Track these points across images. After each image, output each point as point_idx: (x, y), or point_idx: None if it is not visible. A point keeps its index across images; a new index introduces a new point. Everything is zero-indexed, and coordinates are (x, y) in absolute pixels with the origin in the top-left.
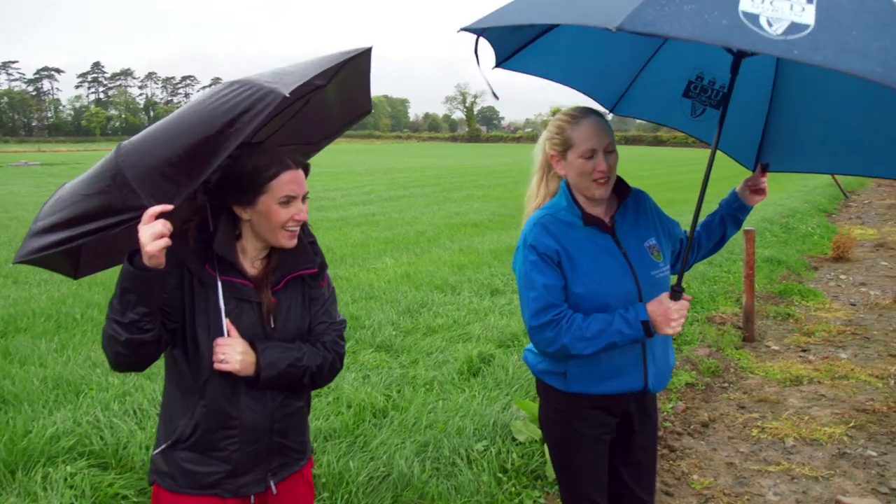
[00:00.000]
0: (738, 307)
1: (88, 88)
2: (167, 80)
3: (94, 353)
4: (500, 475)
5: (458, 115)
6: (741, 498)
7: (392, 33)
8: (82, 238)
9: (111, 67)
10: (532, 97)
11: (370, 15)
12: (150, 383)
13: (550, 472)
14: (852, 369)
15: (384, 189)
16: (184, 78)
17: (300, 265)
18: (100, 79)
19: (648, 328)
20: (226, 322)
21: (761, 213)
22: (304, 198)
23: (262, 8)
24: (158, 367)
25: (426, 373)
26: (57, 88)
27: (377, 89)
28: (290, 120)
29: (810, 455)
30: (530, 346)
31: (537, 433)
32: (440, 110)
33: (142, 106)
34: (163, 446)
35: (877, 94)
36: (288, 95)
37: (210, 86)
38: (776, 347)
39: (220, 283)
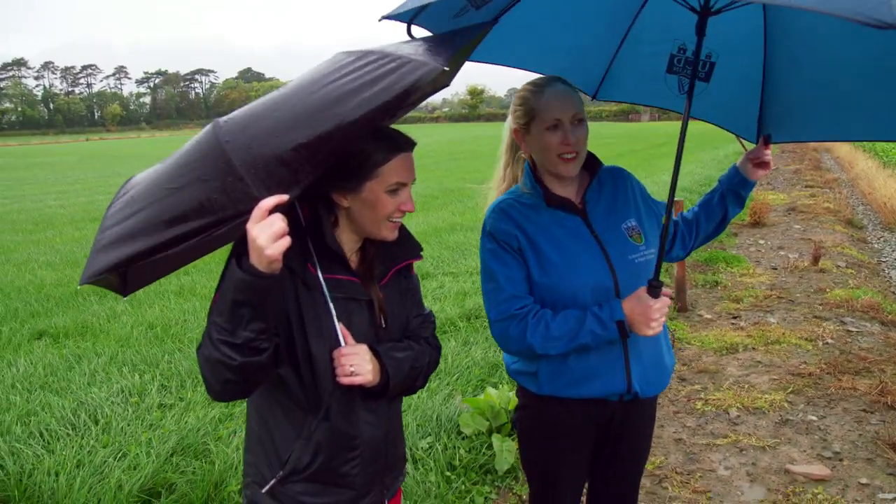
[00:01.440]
0: (667, 277)
1: None
2: (67, 69)
3: None
4: (448, 473)
5: None
6: (693, 475)
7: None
8: (174, 245)
9: (2, 57)
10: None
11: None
12: (59, 399)
13: (500, 466)
14: (783, 333)
15: None
16: (84, 67)
17: (406, 254)
18: None
19: (624, 328)
20: (340, 327)
21: (679, 183)
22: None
23: None
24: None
25: None
26: None
27: (296, 74)
28: None
29: (755, 424)
30: None
31: (484, 425)
32: None
33: (39, 98)
34: (273, 481)
35: (872, 48)
36: (446, 68)
37: (116, 74)
38: (709, 316)
39: (324, 283)
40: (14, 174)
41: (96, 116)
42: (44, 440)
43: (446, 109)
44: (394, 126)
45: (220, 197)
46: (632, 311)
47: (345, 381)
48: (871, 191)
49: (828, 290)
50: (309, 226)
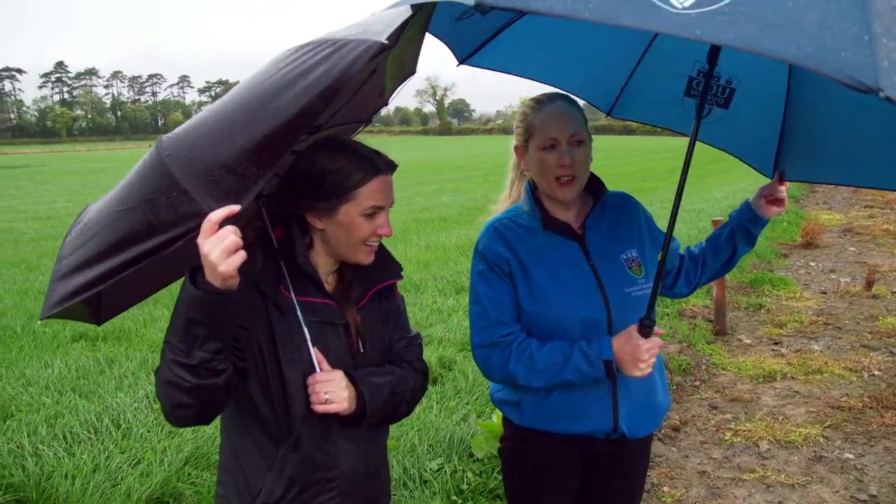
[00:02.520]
0: (708, 299)
1: (52, 88)
2: (134, 78)
3: (28, 370)
4: (454, 497)
5: (429, 108)
6: None
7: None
8: (126, 269)
9: (75, 67)
10: (503, 89)
11: (332, 7)
12: (86, 402)
13: None
14: (826, 362)
15: None
16: (150, 76)
17: (384, 275)
18: (64, 78)
19: (611, 368)
20: (314, 352)
21: (729, 201)
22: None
23: (212, 6)
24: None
25: None
26: (19, 89)
27: None
28: (352, 96)
29: (785, 460)
30: None
31: (496, 447)
32: (411, 104)
33: (108, 105)
34: None
35: None
36: (385, 42)
37: (179, 84)
38: (748, 340)
39: (297, 306)
40: (80, 178)
41: (160, 124)
42: (66, 443)
43: (500, 121)
44: (376, 147)
45: (168, 214)
46: (620, 350)
47: (319, 409)
48: None
49: (880, 317)
50: (282, 247)
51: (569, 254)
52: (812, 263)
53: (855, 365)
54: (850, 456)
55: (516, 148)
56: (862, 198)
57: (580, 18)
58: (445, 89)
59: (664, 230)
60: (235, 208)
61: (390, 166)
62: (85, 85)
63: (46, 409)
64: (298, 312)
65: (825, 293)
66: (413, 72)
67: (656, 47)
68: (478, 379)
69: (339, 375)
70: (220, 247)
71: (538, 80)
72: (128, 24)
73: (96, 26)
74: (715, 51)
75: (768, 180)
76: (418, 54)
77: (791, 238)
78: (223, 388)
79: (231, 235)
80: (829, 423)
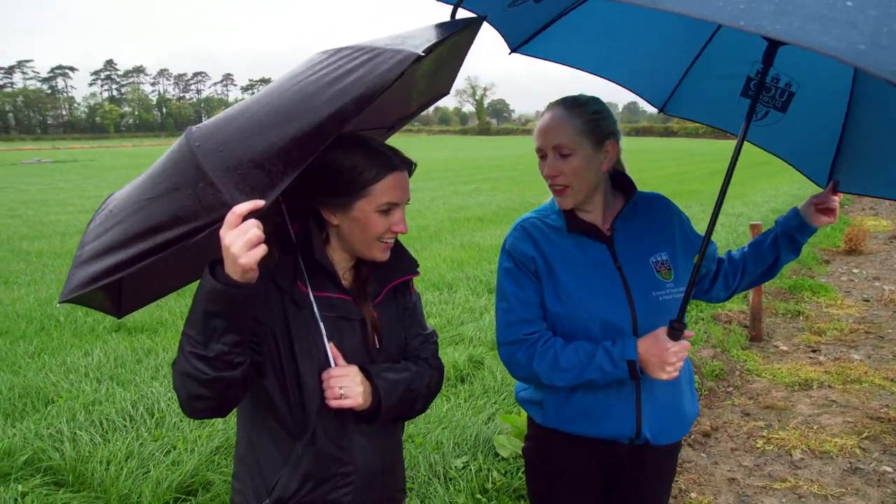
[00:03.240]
0: (744, 304)
1: (102, 86)
2: (179, 76)
3: (70, 358)
4: (478, 496)
5: (469, 108)
6: None
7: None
8: (148, 257)
9: (123, 65)
10: (542, 89)
11: (373, 5)
12: (123, 391)
13: None
14: (865, 372)
15: None
16: (195, 74)
17: (401, 271)
18: (113, 76)
19: (635, 369)
20: (330, 347)
21: (771, 205)
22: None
23: (254, 7)
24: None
25: None
26: (71, 86)
27: None
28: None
29: (819, 470)
30: None
31: (520, 447)
32: (451, 103)
33: (154, 102)
34: None
35: None
36: (423, 54)
37: (223, 81)
38: (785, 347)
39: (314, 301)
40: (126, 173)
41: (203, 120)
42: (102, 429)
43: None
44: (391, 143)
45: (193, 205)
46: (646, 352)
47: (333, 404)
48: None
49: None
50: (299, 242)
51: (596, 255)
52: (855, 270)
53: None
54: (889, 469)
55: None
56: None
57: (621, 1)
58: (485, 89)
59: (702, 233)
60: (260, 203)
61: (406, 163)
62: (133, 82)
63: (85, 397)
64: (315, 307)
65: (868, 301)
66: (446, 93)
67: (716, 44)
68: (506, 378)
69: (353, 371)
70: (243, 239)
71: (591, 73)
72: (175, 23)
73: (145, 25)
74: (772, 49)
75: (816, 188)
76: (455, 76)
77: (834, 244)
78: (240, 382)
79: (254, 229)
80: (866, 434)
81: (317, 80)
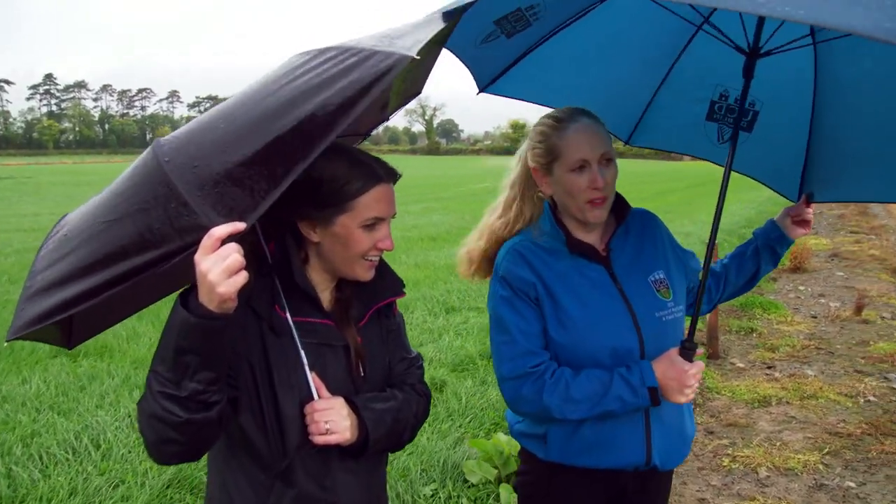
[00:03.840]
0: (701, 322)
1: (40, 101)
2: (123, 92)
3: (6, 387)
4: None
5: (418, 127)
6: None
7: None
8: (111, 288)
9: (64, 80)
10: (491, 110)
11: (320, 23)
12: (65, 420)
13: None
14: (820, 387)
15: None
16: (140, 90)
17: (386, 291)
18: (52, 91)
19: (656, 396)
20: (312, 377)
21: (720, 225)
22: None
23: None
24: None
25: None
26: (7, 100)
27: None
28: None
29: (786, 487)
30: None
31: (491, 473)
32: (400, 123)
33: (96, 118)
34: None
35: None
36: (417, 57)
37: (169, 98)
38: (741, 364)
39: (293, 327)
40: (66, 190)
41: (148, 138)
42: (42, 463)
43: (488, 142)
44: (378, 155)
45: (164, 227)
46: (664, 376)
47: (319, 440)
48: None
49: (871, 342)
50: (276, 263)
51: (595, 278)
52: (801, 287)
53: (850, 390)
54: (852, 484)
55: (535, 170)
56: (847, 223)
57: None
58: (435, 109)
59: (686, 246)
60: (241, 226)
61: (392, 175)
62: (74, 98)
63: (22, 428)
64: (295, 334)
65: (815, 317)
66: (419, 92)
67: (678, 71)
68: (470, 401)
69: (339, 403)
70: (222, 266)
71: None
72: (119, 38)
73: (87, 40)
74: (750, 65)
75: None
76: (428, 74)
77: (780, 263)
78: (215, 422)
79: (234, 254)
80: (827, 450)
81: (302, 86)
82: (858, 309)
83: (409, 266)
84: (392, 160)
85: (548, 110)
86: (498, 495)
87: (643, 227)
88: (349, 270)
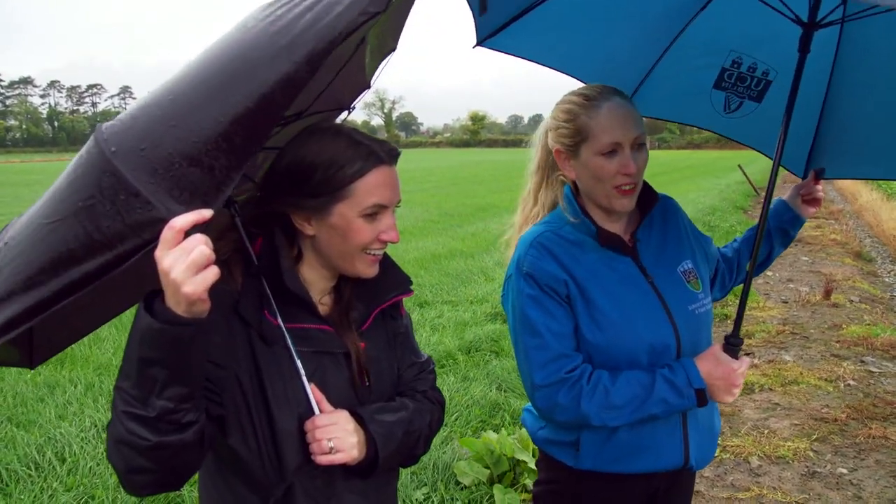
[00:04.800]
0: None
1: None
2: (72, 88)
3: None
4: None
5: (377, 121)
6: None
7: None
8: (63, 298)
9: (8, 76)
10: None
11: None
12: (25, 433)
13: None
14: (800, 373)
15: None
16: (90, 87)
17: (391, 289)
18: None
19: (704, 397)
20: (311, 389)
21: (697, 205)
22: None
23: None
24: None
25: None
26: None
27: None
28: (339, 72)
29: (779, 476)
30: (529, 404)
31: (483, 474)
32: (359, 116)
33: (45, 116)
34: None
35: None
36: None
37: (121, 94)
38: None
39: (287, 334)
40: (14, 190)
41: None
42: (2, 481)
43: (448, 135)
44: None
45: (114, 224)
46: (710, 375)
47: (322, 460)
48: (878, 223)
49: (843, 326)
50: (264, 262)
51: (624, 271)
52: (769, 273)
53: (829, 375)
54: (844, 470)
55: (558, 152)
56: None
57: None
58: (393, 102)
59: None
60: (206, 213)
61: (393, 155)
62: (19, 94)
63: None
64: (289, 342)
65: (787, 303)
66: (394, 48)
67: (689, 34)
68: (454, 398)
69: (343, 417)
70: (186, 261)
71: (556, 69)
72: (65, 33)
73: (30, 35)
74: (808, 37)
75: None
76: (402, 28)
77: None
78: (193, 446)
79: (200, 246)
80: (815, 436)
81: (255, 38)
82: (827, 293)
83: None
84: None
85: (524, 100)
86: (492, 496)
87: (665, 214)
88: (350, 266)
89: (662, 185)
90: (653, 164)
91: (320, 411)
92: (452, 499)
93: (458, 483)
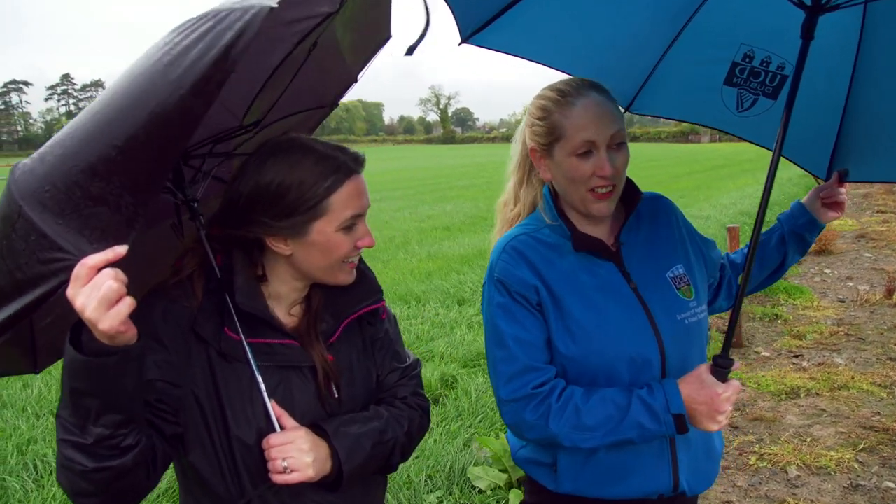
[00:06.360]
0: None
1: (59, 101)
2: None
3: (6, 392)
4: None
5: (433, 117)
6: None
7: None
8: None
9: (81, 79)
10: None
11: None
12: None
13: None
14: (852, 377)
15: None
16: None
17: (361, 299)
18: (70, 91)
19: (684, 424)
20: (271, 406)
21: (738, 207)
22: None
23: None
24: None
25: None
26: (26, 101)
27: (351, 93)
28: (293, 78)
29: (818, 488)
30: None
31: (500, 478)
32: (415, 113)
33: None
34: None
35: None
36: (276, 6)
37: None
38: (766, 353)
39: (248, 349)
40: None
41: None
42: (37, 472)
43: (504, 130)
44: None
45: (30, 263)
46: (692, 399)
47: (278, 479)
48: None
49: None
50: (226, 278)
51: (605, 276)
52: (827, 270)
53: (884, 380)
54: (891, 484)
55: (532, 150)
56: (873, 203)
57: None
58: (449, 98)
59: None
60: (120, 250)
61: (360, 162)
62: (91, 97)
63: (19, 435)
64: (250, 358)
65: (843, 302)
66: (387, 37)
67: (696, 25)
68: (482, 398)
69: (299, 435)
70: (97, 298)
71: (548, 65)
72: (133, 37)
73: (102, 39)
74: (811, 23)
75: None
76: (388, 16)
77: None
78: (136, 469)
79: (109, 281)
80: (862, 446)
81: (147, 71)
82: (889, 292)
83: (422, 257)
84: (408, 150)
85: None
86: (508, 501)
87: (656, 214)
88: (331, 278)
89: (720, 179)
90: (714, 157)
91: (281, 427)
92: None
93: (474, 487)
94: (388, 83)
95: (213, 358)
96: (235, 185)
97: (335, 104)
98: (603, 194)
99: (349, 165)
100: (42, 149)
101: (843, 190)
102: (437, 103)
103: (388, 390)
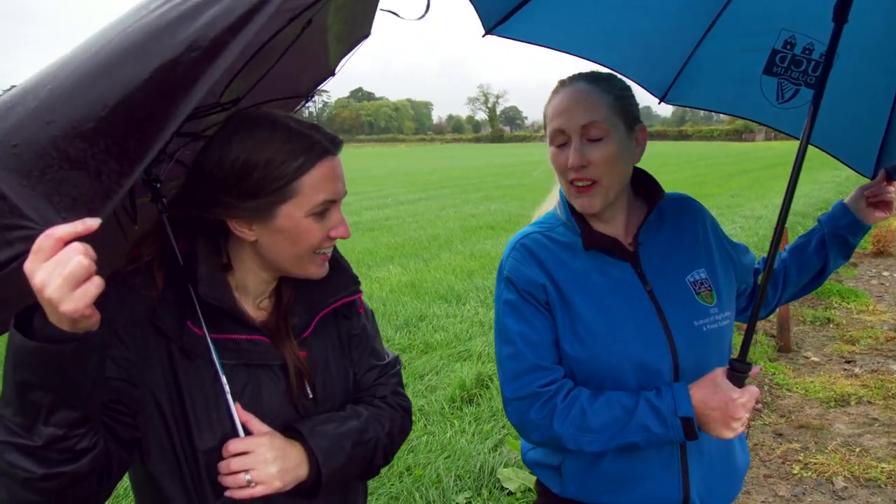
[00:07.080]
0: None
1: None
2: None
3: None
4: None
5: (482, 116)
6: None
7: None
8: None
9: None
10: None
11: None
12: None
13: None
14: None
15: (402, 192)
16: None
17: (336, 291)
18: None
19: (692, 428)
20: (235, 410)
21: (791, 207)
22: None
23: None
24: None
25: (414, 402)
26: None
27: (400, 93)
28: (278, 61)
29: (866, 501)
30: None
31: (530, 480)
32: (463, 111)
33: None
34: None
35: None
36: None
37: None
38: (816, 359)
39: (212, 346)
40: None
41: None
42: None
43: None
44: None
45: None
46: (704, 405)
47: (237, 495)
48: None
49: None
50: (189, 266)
51: (619, 277)
52: (885, 273)
53: None
54: None
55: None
56: None
57: None
58: (497, 96)
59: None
60: (93, 224)
61: (336, 144)
62: None
63: None
64: (214, 355)
65: None
66: (367, 34)
67: (732, 12)
68: None
69: (263, 441)
70: (61, 275)
71: (577, 55)
72: None
73: None
74: (843, 7)
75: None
76: (373, 12)
77: (860, 245)
78: (89, 476)
79: (78, 257)
80: None
81: (153, 21)
82: None
83: (465, 255)
84: (456, 149)
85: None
86: None
87: (680, 215)
88: (299, 270)
89: (773, 179)
90: (768, 156)
91: (246, 432)
92: None
93: (503, 489)
94: (436, 82)
95: (174, 354)
96: (199, 160)
97: (311, 95)
98: (581, 188)
99: (323, 145)
100: (5, 97)
101: (891, 188)
102: (486, 102)
103: (366, 389)
